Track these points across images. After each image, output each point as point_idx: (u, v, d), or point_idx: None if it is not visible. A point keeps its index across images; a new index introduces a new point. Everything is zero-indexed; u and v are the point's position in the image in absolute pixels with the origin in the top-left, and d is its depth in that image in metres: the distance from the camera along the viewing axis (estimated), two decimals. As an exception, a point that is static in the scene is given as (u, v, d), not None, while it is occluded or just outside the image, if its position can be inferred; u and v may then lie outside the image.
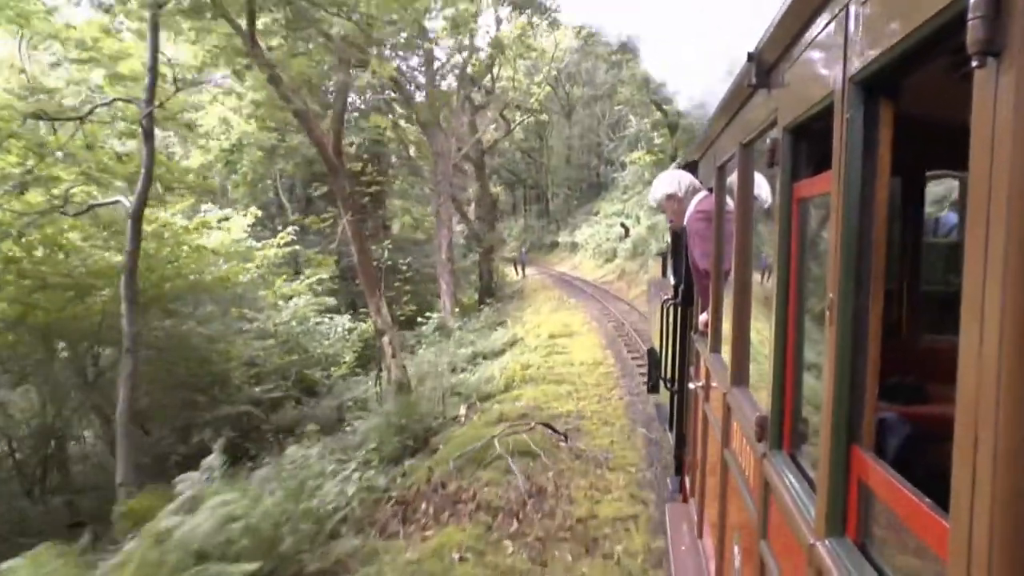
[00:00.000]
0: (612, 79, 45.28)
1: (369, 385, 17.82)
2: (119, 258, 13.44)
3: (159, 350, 15.33)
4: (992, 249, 0.96)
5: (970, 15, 0.96)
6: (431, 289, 31.38)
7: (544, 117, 46.60)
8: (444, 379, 15.38)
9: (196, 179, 21.24)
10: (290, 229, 20.68)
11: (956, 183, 4.92)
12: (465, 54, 31.69)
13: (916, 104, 2.09)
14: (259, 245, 19.54)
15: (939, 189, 5.79)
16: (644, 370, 9.81)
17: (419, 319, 26.50)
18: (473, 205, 45.79)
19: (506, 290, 39.87)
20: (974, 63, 0.98)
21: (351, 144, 31.77)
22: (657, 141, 37.27)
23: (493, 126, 48.15)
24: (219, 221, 18.17)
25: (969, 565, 1.01)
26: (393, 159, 37.03)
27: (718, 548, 3.32)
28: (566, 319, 23.16)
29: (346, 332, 21.58)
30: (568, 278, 38.17)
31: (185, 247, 15.76)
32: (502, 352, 20.79)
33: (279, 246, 20.78)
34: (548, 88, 43.70)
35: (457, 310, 30.08)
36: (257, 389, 16.68)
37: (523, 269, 43.36)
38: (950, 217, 4.88)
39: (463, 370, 20.43)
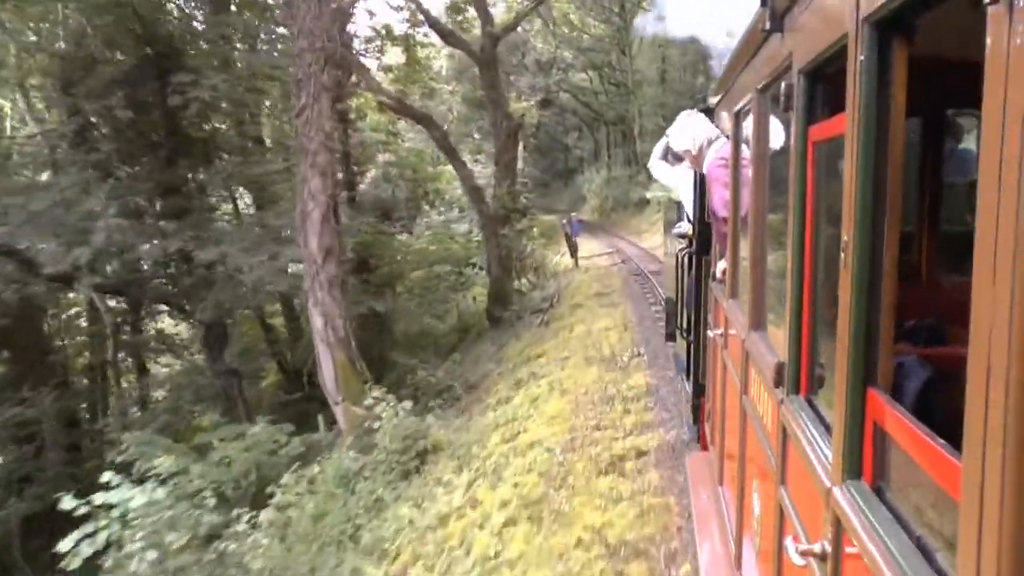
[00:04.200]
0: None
1: None
2: None
3: None
4: (1005, 186, 0.96)
5: None
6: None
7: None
8: None
9: None
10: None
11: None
12: None
13: (935, 42, 2.00)
14: None
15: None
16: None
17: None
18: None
19: (535, 295, 21.24)
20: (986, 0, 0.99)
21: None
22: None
23: None
24: None
25: (981, 505, 1.00)
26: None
27: (738, 495, 3.27)
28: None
29: None
30: (652, 269, 20.02)
31: None
32: None
33: None
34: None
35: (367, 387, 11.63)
36: None
37: (574, 250, 24.62)
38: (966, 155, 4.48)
39: None
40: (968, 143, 4.31)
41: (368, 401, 11.03)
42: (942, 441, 1.26)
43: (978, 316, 1.03)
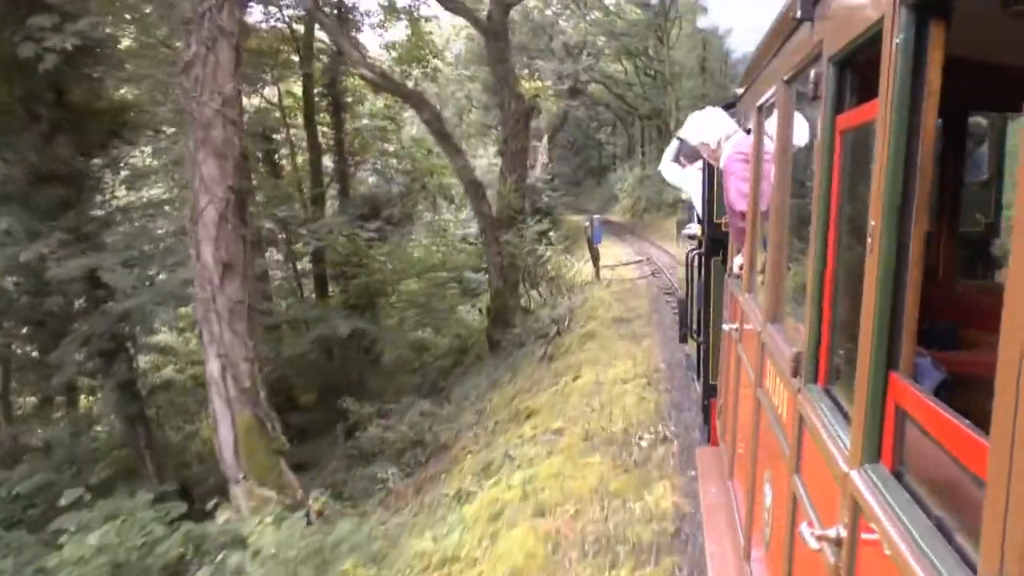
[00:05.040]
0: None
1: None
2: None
3: None
4: None
5: None
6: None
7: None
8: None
9: None
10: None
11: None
12: None
13: (960, 43, 1.95)
14: None
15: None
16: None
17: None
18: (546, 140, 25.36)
19: (543, 314, 17.34)
20: None
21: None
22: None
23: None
24: None
25: (1009, 482, 0.98)
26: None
27: (748, 487, 3.23)
28: None
29: None
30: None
31: None
32: None
33: None
34: None
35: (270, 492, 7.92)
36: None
37: (596, 259, 20.68)
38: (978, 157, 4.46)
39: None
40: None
41: (240, 509, 7.41)
42: (967, 422, 1.25)
43: (1013, 292, 0.99)
